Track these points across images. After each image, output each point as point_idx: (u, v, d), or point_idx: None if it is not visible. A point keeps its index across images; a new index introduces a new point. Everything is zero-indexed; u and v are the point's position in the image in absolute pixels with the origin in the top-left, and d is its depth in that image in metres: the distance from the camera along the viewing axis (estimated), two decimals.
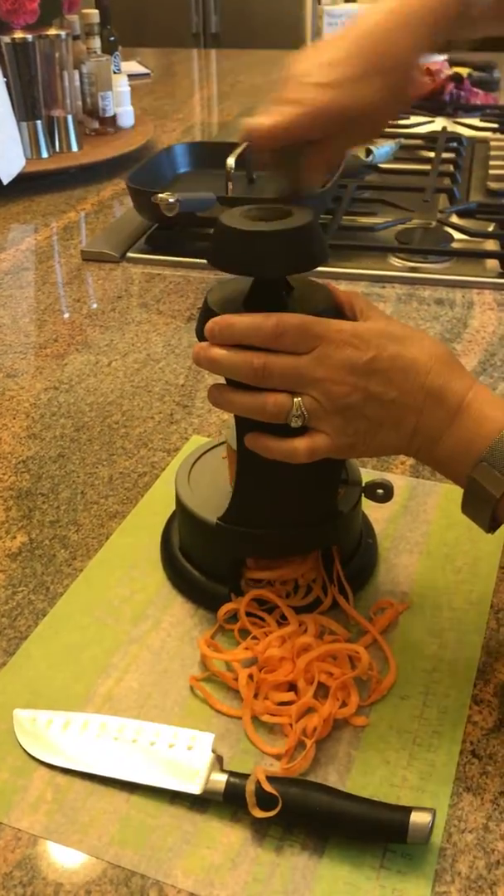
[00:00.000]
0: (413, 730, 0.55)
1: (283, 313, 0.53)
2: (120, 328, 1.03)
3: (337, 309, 0.57)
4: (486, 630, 0.62)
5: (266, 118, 0.57)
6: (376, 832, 0.48)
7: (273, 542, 0.62)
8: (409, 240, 1.20)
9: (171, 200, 1.03)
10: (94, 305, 1.09)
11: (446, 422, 0.52)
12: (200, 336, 0.56)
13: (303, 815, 0.49)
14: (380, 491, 0.65)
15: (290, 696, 0.56)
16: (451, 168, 1.44)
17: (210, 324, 0.54)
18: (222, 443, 0.70)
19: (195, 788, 0.50)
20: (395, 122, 1.69)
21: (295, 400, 0.53)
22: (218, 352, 0.54)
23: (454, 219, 1.26)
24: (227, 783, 0.50)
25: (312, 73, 0.57)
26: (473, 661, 0.59)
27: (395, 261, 1.17)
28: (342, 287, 0.59)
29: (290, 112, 0.56)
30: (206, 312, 0.57)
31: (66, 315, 1.07)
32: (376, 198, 1.34)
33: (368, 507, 0.69)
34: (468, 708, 0.56)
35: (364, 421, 0.53)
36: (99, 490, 0.76)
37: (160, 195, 1.05)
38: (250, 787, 0.49)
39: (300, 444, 0.53)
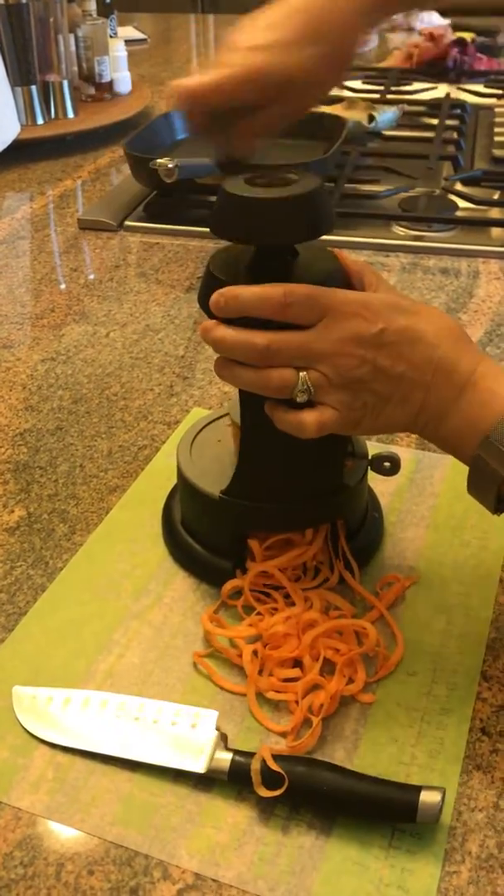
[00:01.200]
0: (421, 707, 0.54)
1: (291, 284, 0.51)
2: (118, 298, 1.01)
3: (345, 276, 0.55)
4: (494, 605, 0.60)
5: (194, 79, 0.57)
6: (385, 811, 0.47)
7: (277, 516, 0.61)
8: (412, 208, 1.18)
9: (170, 166, 1.01)
10: (92, 275, 1.07)
11: (453, 398, 0.51)
12: (203, 305, 0.54)
13: (309, 794, 0.48)
14: (387, 464, 0.63)
15: (295, 672, 0.55)
16: (455, 135, 1.41)
17: (215, 296, 0.52)
18: (224, 415, 0.68)
19: (199, 767, 0.49)
20: (398, 89, 1.66)
21: (300, 374, 0.51)
22: (222, 332, 0.52)
23: (459, 186, 1.23)
24: (232, 762, 0.49)
25: (247, 37, 0.57)
26: (482, 636, 0.58)
27: (399, 229, 1.14)
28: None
29: (219, 73, 0.56)
30: (210, 280, 0.55)
31: (63, 285, 1.05)
32: (379, 165, 1.31)
33: (374, 481, 0.67)
34: (477, 684, 0.55)
35: (371, 395, 0.51)
36: (98, 463, 0.75)
37: (159, 161, 1.02)
38: (255, 765, 0.48)
39: (309, 417, 0.52)
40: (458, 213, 1.17)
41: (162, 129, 1.36)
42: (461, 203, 1.19)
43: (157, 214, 1.19)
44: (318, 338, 0.50)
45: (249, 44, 0.57)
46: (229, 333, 0.52)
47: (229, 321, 0.52)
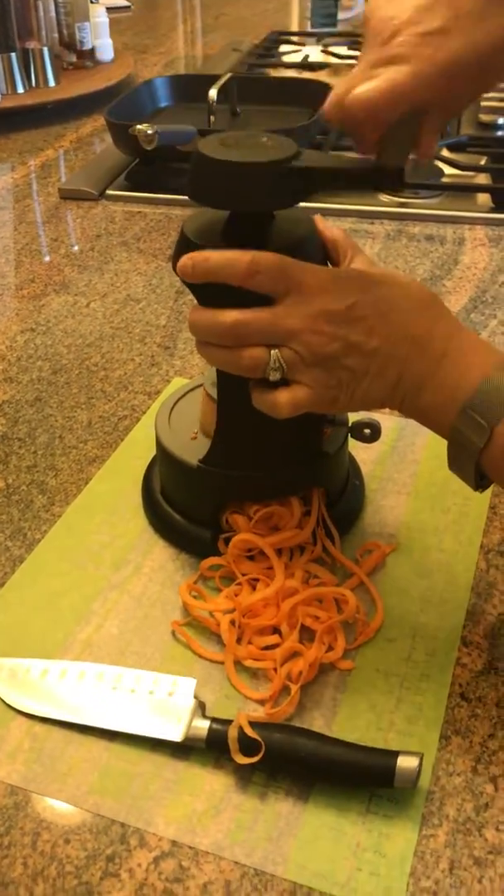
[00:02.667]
0: (401, 673, 0.53)
1: (260, 252, 0.50)
2: (99, 268, 1.00)
3: (320, 244, 0.54)
4: (475, 571, 0.60)
5: (369, 86, 0.47)
6: (362, 777, 0.47)
7: (256, 485, 0.60)
8: None
9: (150, 132, 0.99)
10: (73, 245, 1.06)
11: (430, 369, 0.49)
12: (175, 268, 0.53)
13: (287, 760, 0.48)
14: (367, 431, 0.63)
15: (274, 639, 0.54)
16: None
17: (184, 259, 0.51)
18: (201, 385, 0.67)
19: (177, 735, 0.49)
20: None
21: (272, 352, 0.50)
22: (193, 314, 0.51)
23: (444, 153, 1.21)
24: (210, 729, 0.49)
25: (413, 19, 0.46)
26: (463, 602, 0.58)
27: (384, 196, 1.13)
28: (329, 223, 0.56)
29: (399, 75, 0.46)
30: (183, 242, 0.54)
31: (44, 255, 1.03)
32: None
33: (355, 448, 0.67)
34: (457, 650, 0.55)
35: (346, 372, 0.50)
36: (77, 434, 0.74)
37: (138, 126, 1.00)
38: (233, 732, 0.48)
39: (282, 396, 0.50)
40: (444, 180, 1.15)
41: (144, 97, 1.34)
42: (447, 169, 1.17)
43: (140, 183, 1.18)
44: (286, 314, 0.49)
45: (426, 28, 0.46)
46: (199, 315, 0.51)
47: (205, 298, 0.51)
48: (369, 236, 1.05)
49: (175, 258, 0.53)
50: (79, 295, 0.94)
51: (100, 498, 0.67)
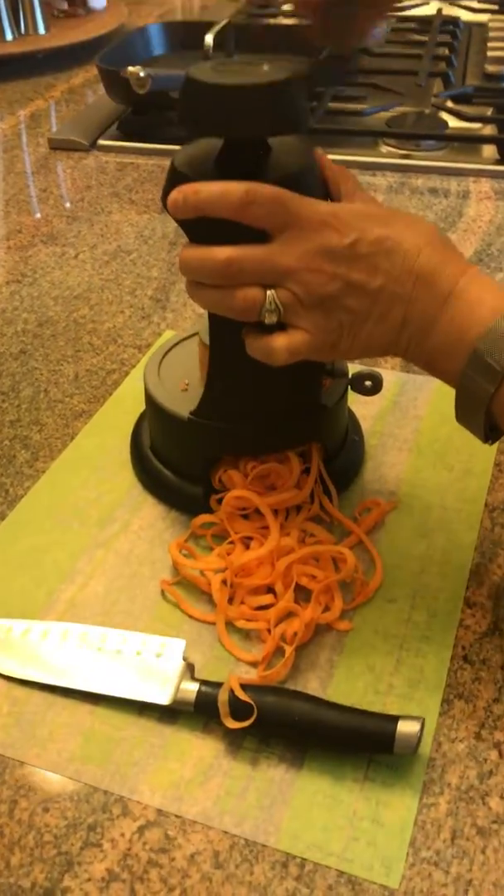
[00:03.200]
0: (400, 634, 0.51)
1: (256, 183, 0.46)
2: (89, 219, 0.96)
3: (320, 178, 0.51)
4: (479, 529, 0.57)
5: None
6: (360, 742, 0.45)
7: (249, 439, 0.57)
8: (400, 125, 1.12)
9: (142, 75, 0.95)
10: (63, 195, 1.01)
11: (437, 309, 0.46)
12: (165, 204, 0.49)
13: (280, 725, 0.45)
14: (368, 383, 0.59)
15: (268, 598, 0.52)
16: (447, 52, 1.34)
17: (174, 193, 0.47)
18: (194, 334, 0.64)
19: (164, 698, 0.46)
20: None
21: (268, 293, 0.46)
22: (185, 251, 0.48)
23: (449, 104, 1.17)
24: (199, 692, 0.46)
25: None
26: (466, 561, 0.55)
27: (386, 147, 1.09)
28: None
29: None
30: (173, 176, 0.50)
31: (32, 206, 0.99)
32: (366, 82, 1.24)
33: (355, 403, 0.64)
34: (460, 611, 0.52)
35: (347, 314, 0.47)
36: (64, 388, 0.71)
37: (130, 69, 0.96)
38: (223, 696, 0.45)
39: (278, 341, 0.47)
40: (448, 131, 1.11)
41: (137, 44, 1.29)
42: (451, 121, 1.13)
43: (132, 133, 1.13)
44: (282, 251, 0.46)
45: None
46: (190, 251, 0.48)
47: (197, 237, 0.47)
48: (371, 189, 1.01)
49: (165, 193, 0.50)
50: (67, 246, 0.91)
51: (86, 453, 0.64)
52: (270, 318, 0.46)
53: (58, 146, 1.13)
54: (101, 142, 1.13)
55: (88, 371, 0.72)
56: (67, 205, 0.99)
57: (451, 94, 1.19)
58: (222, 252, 0.46)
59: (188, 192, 0.47)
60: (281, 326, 0.47)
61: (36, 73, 1.39)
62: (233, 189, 0.46)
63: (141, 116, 1.13)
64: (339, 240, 0.46)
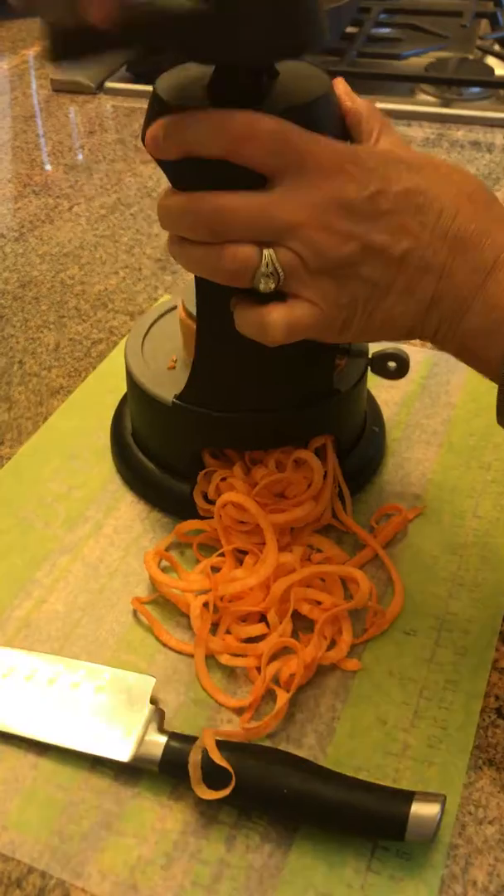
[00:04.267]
0: (420, 678, 0.41)
1: (255, 113, 0.36)
2: (88, 168, 0.86)
3: (337, 111, 0.41)
4: None
5: None
6: (364, 824, 0.36)
7: (246, 429, 0.47)
8: (441, 70, 1.01)
9: None
10: (61, 142, 0.92)
11: (477, 283, 0.36)
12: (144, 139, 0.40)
13: (264, 799, 0.36)
14: (391, 364, 0.50)
15: (260, 628, 0.43)
16: None
17: (154, 126, 0.38)
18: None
19: (124, 754, 0.38)
20: None
21: (265, 252, 0.36)
22: (166, 199, 0.38)
23: (497, 48, 1.07)
24: (167, 748, 0.37)
25: None
26: (503, 585, 0.45)
27: (424, 95, 0.98)
28: None
29: None
30: (155, 105, 0.40)
31: (27, 152, 0.90)
32: (404, 22, 1.13)
33: (376, 386, 0.54)
34: (494, 649, 0.43)
35: (363, 285, 0.37)
36: (41, 359, 0.61)
37: None
38: (195, 756, 0.36)
39: (275, 314, 0.37)
40: (494, 78, 1.00)
41: None
42: (498, 68, 1.03)
43: (143, 74, 1.03)
44: (285, 201, 0.36)
45: None
46: (171, 199, 0.38)
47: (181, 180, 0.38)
48: (405, 141, 0.90)
49: (144, 128, 0.40)
50: (61, 198, 0.81)
51: (60, 437, 0.55)
52: (267, 285, 0.37)
53: (61, 88, 1.03)
54: (109, 84, 1.03)
55: (71, 340, 0.63)
56: (61, 144, 0.89)
57: (500, 36, 1.08)
58: (210, 199, 0.36)
59: (170, 126, 0.37)
60: (280, 297, 0.37)
61: None
62: (226, 120, 0.36)
63: (153, 56, 1.03)
64: (356, 190, 0.36)
